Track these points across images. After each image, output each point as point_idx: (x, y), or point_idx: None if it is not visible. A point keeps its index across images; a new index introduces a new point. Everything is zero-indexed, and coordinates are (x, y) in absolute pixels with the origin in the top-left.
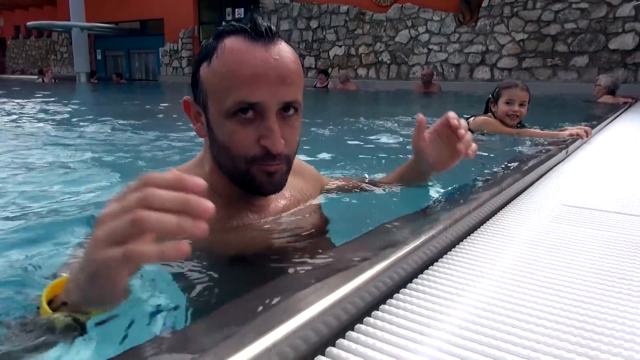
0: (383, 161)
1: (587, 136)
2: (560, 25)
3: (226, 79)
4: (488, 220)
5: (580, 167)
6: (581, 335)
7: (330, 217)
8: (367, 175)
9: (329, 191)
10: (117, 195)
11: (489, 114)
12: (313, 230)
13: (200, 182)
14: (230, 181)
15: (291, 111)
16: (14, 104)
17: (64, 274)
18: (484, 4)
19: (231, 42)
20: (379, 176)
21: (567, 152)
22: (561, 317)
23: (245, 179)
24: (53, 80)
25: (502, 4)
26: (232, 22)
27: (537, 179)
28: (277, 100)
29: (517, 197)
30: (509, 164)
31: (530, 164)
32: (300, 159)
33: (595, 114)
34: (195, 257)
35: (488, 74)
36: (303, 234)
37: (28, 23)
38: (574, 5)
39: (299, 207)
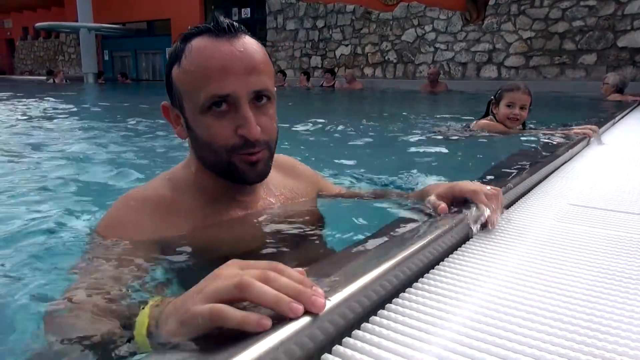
0: (390, 161)
1: (594, 135)
2: (568, 23)
3: (196, 76)
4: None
5: (587, 166)
6: (586, 334)
7: (327, 218)
8: (372, 180)
9: (326, 195)
10: (245, 262)
11: (490, 116)
12: (305, 228)
13: (320, 291)
14: (215, 176)
15: (264, 100)
16: (24, 104)
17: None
18: (491, 2)
19: (197, 42)
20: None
21: (572, 151)
22: (567, 317)
23: (229, 169)
24: (64, 81)
25: (509, 2)
26: (198, 25)
27: (544, 178)
28: (247, 90)
29: (523, 196)
30: (514, 164)
31: (537, 163)
32: (314, 157)
33: (603, 113)
34: (189, 254)
35: (495, 73)
36: (294, 231)
37: (36, 24)
38: (582, 3)
39: (289, 206)
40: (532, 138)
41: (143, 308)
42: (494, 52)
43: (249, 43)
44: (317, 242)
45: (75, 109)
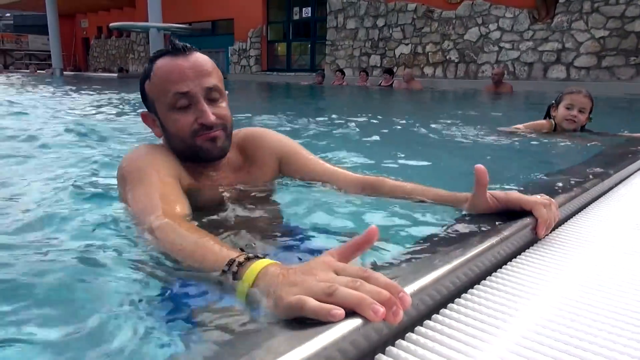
0: (440, 166)
1: None
2: None
3: (163, 83)
4: (564, 222)
5: None
6: None
7: (292, 190)
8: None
9: (301, 169)
10: (340, 267)
11: (548, 119)
12: (257, 192)
13: (408, 300)
14: (186, 162)
15: (216, 95)
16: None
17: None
18: (561, 0)
19: (160, 61)
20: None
21: None
22: (638, 320)
23: (195, 149)
24: None
25: None
26: (159, 49)
27: (616, 185)
28: (200, 87)
29: (595, 200)
30: (588, 167)
31: (611, 167)
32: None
33: None
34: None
35: (564, 73)
36: (245, 192)
37: (110, 24)
38: None
39: (246, 176)
40: (587, 143)
41: (247, 259)
42: (563, 52)
43: (199, 56)
44: (263, 201)
45: None
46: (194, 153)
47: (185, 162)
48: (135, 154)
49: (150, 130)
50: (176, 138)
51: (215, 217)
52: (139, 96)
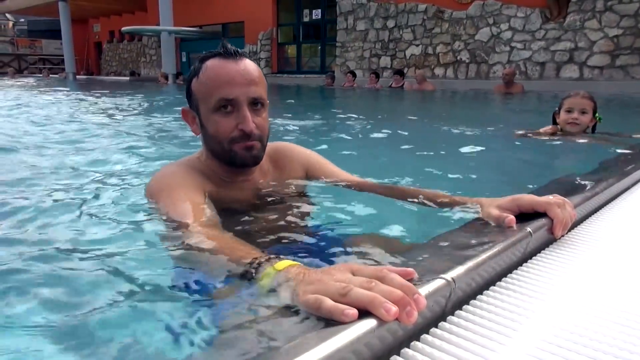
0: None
1: None
2: None
3: (210, 85)
4: (581, 223)
5: None
6: None
7: (321, 197)
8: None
9: (323, 177)
10: (356, 267)
11: (555, 125)
12: (286, 198)
13: (423, 301)
14: (221, 163)
15: (258, 106)
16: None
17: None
18: None
19: (211, 62)
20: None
21: None
22: None
23: (230, 155)
24: (166, 82)
25: None
26: (210, 50)
27: (635, 183)
28: (246, 96)
29: (612, 200)
30: (604, 168)
31: (628, 167)
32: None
33: None
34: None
35: (577, 73)
36: (275, 198)
37: (123, 28)
38: None
39: (275, 182)
40: (594, 143)
41: (269, 259)
42: (576, 51)
43: (249, 64)
44: (294, 208)
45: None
46: (229, 158)
47: (218, 162)
48: (162, 173)
49: (189, 126)
50: (214, 140)
51: (242, 220)
52: (144, 97)
